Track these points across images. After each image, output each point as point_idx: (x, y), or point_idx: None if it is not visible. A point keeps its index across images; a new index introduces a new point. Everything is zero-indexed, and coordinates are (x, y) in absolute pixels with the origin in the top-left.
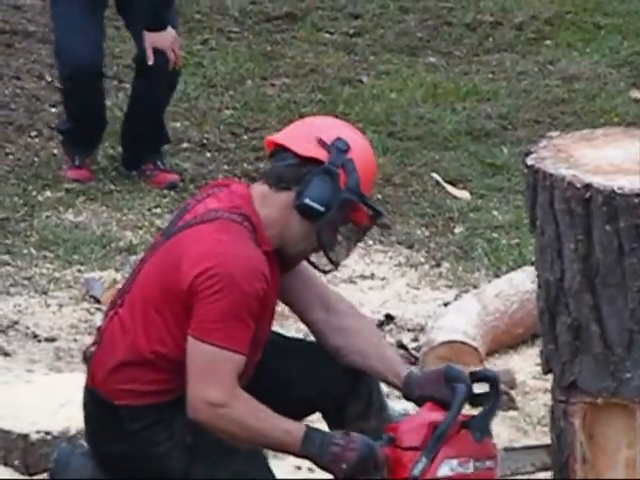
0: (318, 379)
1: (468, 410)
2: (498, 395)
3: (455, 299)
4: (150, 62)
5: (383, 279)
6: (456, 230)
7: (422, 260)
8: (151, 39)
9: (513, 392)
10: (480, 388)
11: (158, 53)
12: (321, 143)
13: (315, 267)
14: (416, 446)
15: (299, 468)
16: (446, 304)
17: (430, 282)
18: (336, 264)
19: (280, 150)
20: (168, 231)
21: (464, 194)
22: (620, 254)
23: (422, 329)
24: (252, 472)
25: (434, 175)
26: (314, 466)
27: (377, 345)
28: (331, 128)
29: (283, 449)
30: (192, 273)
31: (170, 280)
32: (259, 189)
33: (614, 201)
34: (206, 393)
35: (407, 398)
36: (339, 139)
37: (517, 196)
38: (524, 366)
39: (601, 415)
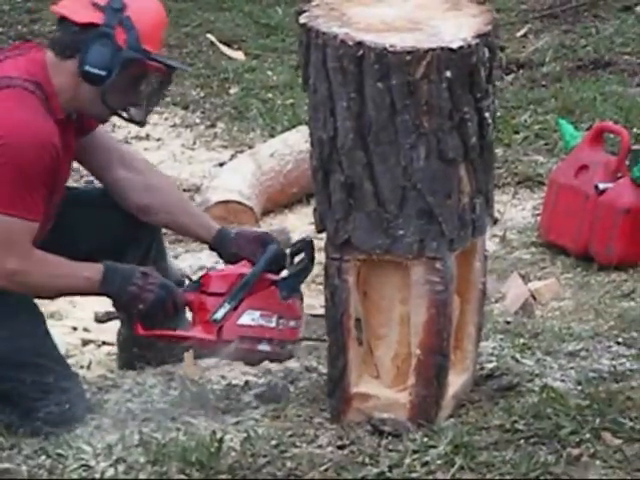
0: (100, 225)
1: None
2: (311, 259)
3: (230, 159)
4: None
5: (158, 140)
6: (231, 91)
7: (197, 121)
8: None
9: (288, 251)
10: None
11: None
12: (96, 6)
13: (129, 120)
14: (221, 292)
15: (75, 329)
16: (221, 164)
17: (205, 142)
18: (141, 122)
19: (62, 19)
20: None
21: (239, 55)
22: (392, 112)
23: (198, 189)
24: (28, 333)
25: (209, 36)
26: (89, 326)
27: (184, 202)
28: None
29: (87, 294)
30: None
31: None
32: (50, 56)
33: (386, 59)
34: (3, 262)
35: (218, 254)
36: None
37: (291, 56)
38: (299, 225)
39: (375, 272)
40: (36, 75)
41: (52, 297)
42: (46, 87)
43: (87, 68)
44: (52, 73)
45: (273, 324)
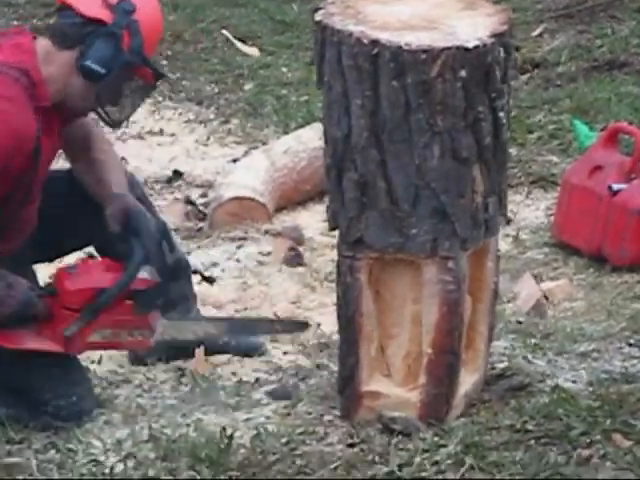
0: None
1: None
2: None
3: (244, 155)
4: None
5: (172, 135)
6: (245, 87)
7: (211, 117)
8: None
9: (301, 248)
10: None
11: None
12: (106, 3)
13: (105, 122)
14: (75, 308)
15: None
16: (235, 160)
17: (219, 138)
18: (118, 123)
19: (66, 7)
20: None
21: (254, 51)
22: (407, 110)
23: (211, 185)
24: None
25: (224, 32)
26: None
27: (108, 166)
28: None
29: None
30: None
31: None
32: (43, 44)
33: (401, 57)
34: None
35: None
36: (125, 0)
37: (306, 53)
38: (312, 222)
39: (387, 271)
40: (23, 61)
41: None
42: (32, 74)
43: (88, 63)
44: (43, 60)
45: (123, 338)
